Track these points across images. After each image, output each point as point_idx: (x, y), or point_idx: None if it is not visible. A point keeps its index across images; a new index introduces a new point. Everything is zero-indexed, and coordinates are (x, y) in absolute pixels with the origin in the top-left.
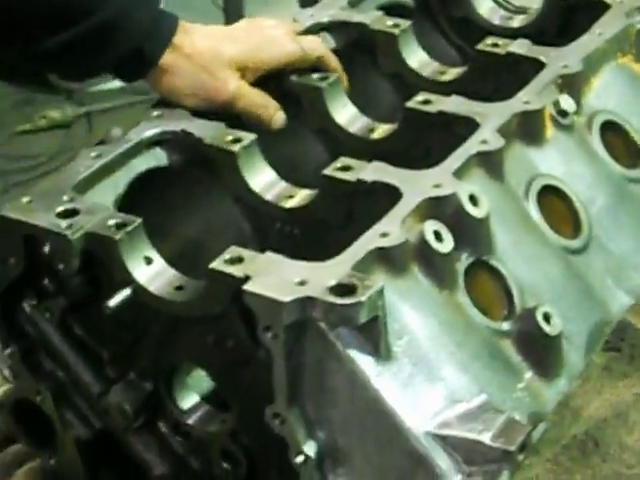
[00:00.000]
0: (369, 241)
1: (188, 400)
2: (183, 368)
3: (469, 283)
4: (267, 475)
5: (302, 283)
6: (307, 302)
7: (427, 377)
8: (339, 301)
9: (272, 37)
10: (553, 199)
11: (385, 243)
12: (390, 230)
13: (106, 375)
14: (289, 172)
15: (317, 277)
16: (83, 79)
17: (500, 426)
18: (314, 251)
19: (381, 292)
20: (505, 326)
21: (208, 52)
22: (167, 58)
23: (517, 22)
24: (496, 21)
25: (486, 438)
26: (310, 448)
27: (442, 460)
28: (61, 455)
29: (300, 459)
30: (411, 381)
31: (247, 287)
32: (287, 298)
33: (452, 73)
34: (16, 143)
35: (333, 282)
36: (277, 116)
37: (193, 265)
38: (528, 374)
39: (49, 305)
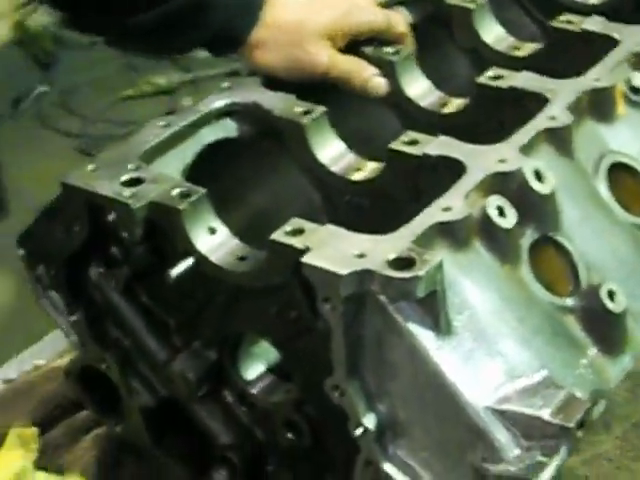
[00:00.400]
0: (431, 215)
1: (253, 370)
2: (248, 338)
3: (533, 259)
4: (330, 446)
5: (361, 256)
6: (365, 275)
7: (487, 352)
8: (397, 275)
9: (359, 4)
10: (623, 176)
11: (447, 217)
12: (453, 204)
13: (171, 343)
14: (360, 145)
15: (376, 250)
16: (175, 54)
17: (559, 402)
18: (383, 224)
19: (440, 267)
20: (569, 302)
21: (297, 25)
22: (257, 33)
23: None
24: None
25: (545, 414)
26: (370, 420)
27: (501, 434)
28: (127, 422)
29: (359, 431)
30: (471, 355)
31: (305, 259)
32: (345, 271)
33: (527, 49)
34: (120, 109)
35: (392, 256)
36: (376, 81)
37: (261, 236)
38: (592, 351)
39: (115, 273)
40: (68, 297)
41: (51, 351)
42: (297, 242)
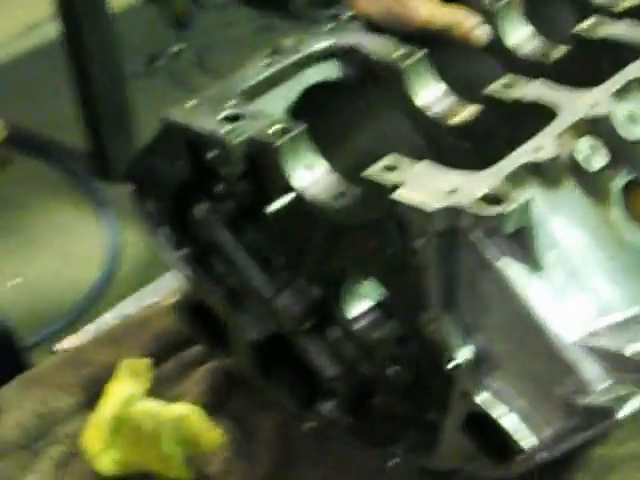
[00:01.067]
0: (522, 155)
1: (357, 307)
2: (352, 275)
3: (626, 200)
4: (429, 380)
5: (452, 192)
6: (455, 211)
7: (577, 288)
8: (486, 210)
9: None
10: None
11: (538, 157)
12: (544, 145)
13: (277, 280)
14: (461, 91)
15: (468, 187)
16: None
17: None
18: (485, 166)
19: (529, 204)
20: None
21: None
22: None
23: None
24: None
25: (633, 349)
26: (463, 353)
27: (589, 368)
28: (236, 355)
29: (454, 364)
30: (561, 291)
31: (397, 195)
32: (435, 206)
33: (626, 3)
34: None
35: (482, 192)
36: (478, 31)
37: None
38: None
39: (220, 209)
40: (176, 233)
41: (166, 289)
42: (391, 178)
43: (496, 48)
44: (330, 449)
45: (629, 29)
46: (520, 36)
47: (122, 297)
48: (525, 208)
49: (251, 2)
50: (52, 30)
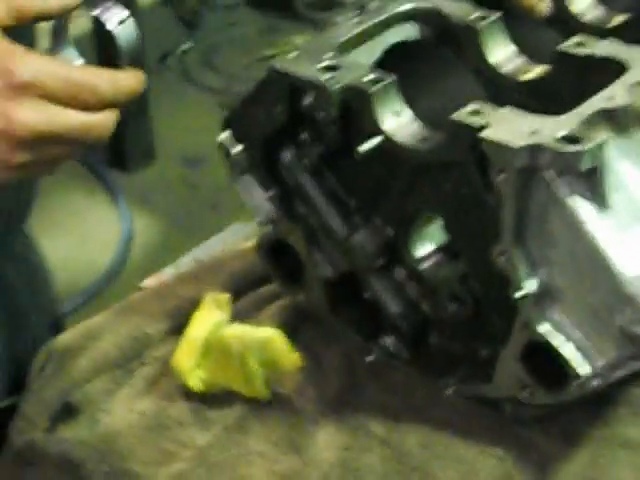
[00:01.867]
0: (597, 102)
1: (424, 248)
2: (422, 218)
3: None
4: (489, 316)
5: (534, 133)
6: (536, 149)
7: None
8: (564, 149)
9: None
10: None
11: (610, 104)
12: (616, 94)
13: (352, 222)
14: (531, 54)
15: (547, 129)
16: None
17: None
18: None
19: (603, 145)
20: None
21: None
22: None
23: None
24: None
25: None
26: (531, 284)
27: None
28: (308, 292)
29: (521, 293)
30: (626, 229)
31: (483, 134)
32: (518, 144)
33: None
34: (260, 67)
35: (561, 133)
36: (540, 5)
37: (439, 124)
38: None
39: (306, 154)
40: (263, 176)
41: (237, 236)
42: (476, 120)
43: (560, 16)
44: (391, 378)
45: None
46: (583, 4)
47: (134, 277)
48: (600, 148)
49: (256, 4)
50: (84, 24)
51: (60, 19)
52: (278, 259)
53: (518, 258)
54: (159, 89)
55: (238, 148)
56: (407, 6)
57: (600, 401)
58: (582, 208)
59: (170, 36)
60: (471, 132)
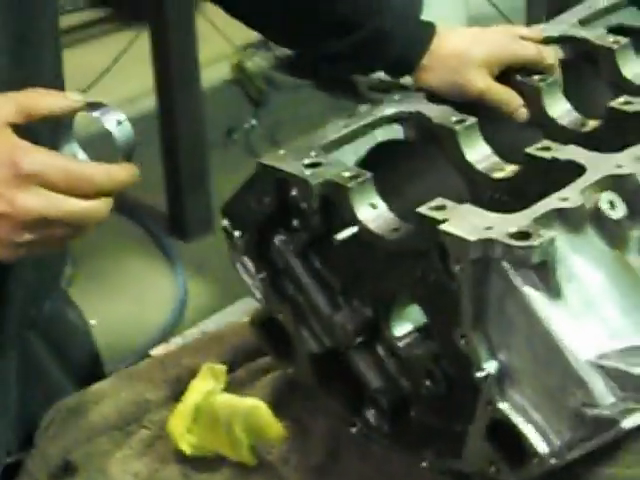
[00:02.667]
0: (550, 202)
1: (402, 328)
2: (399, 301)
3: None
4: (460, 393)
5: (488, 228)
6: (489, 243)
7: (592, 316)
8: (515, 243)
9: (515, 37)
10: None
11: (563, 205)
12: (569, 196)
13: (336, 302)
14: (506, 153)
15: (502, 225)
16: (359, 74)
17: None
18: None
19: (552, 241)
20: None
21: (458, 55)
22: (425, 60)
23: None
24: None
25: (637, 370)
26: (490, 366)
27: (599, 385)
28: (297, 366)
29: (481, 374)
30: (577, 317)
31: (443, 227)
32: (473, 237)
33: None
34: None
35: (513, 229)
36: (520, 112)
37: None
38: None
39: (295, 239)
40: (256, 259)
41: (240, 312)
42: (438, 214)
43: (540, 119)
44: (371, 449)
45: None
46: (561, 110)
47: None
48: (549, 244)
49: (322, 85)
50: (149, 103)
51: (66, 119)
52: (270, 334)
53: (478, 341)
54: (223, 162)
55: (237, 234)
56: (392, 110)
57: (566, 477)
58: (536, 298)
59: (237, 112)
60: (433, 225)
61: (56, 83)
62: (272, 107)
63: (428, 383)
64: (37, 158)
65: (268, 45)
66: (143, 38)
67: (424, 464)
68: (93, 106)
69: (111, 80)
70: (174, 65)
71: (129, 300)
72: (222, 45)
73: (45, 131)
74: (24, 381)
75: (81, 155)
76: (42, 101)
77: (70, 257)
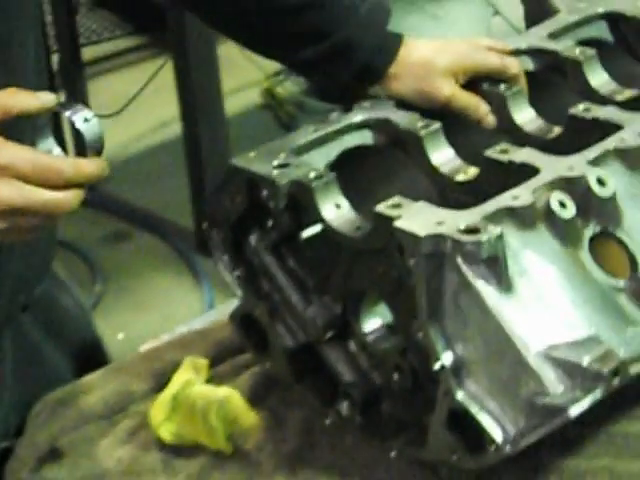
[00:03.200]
0: (501, 201)
1: (371, 324)
2: (369, 297)
3: (593, 247)
4: (425, 386)
5: (440, 224)
6: (439, 238)
7: (543, 309)
8: (464, 238)
9: (480, 48)
10: None
11: (514, 203)
12: (520, 195)
13: (309, 297)
14: (472, 158)
15: (453, 221)
16: (329, 84)
17: (599, 354)
18: None
19: (500, 236)
20: (622, 283)
21: (425, 63)
22: (392, 68)
23: None
24: None
25: (585, 361)
26: (447, 357)
27: (549, 375)
28: (274, 361)
29: (438, 366)
30: (528, 310)
31: (396, 223)
32: (424, 233)
33: (626, 94)
34: None
35: (463, 225)
36: (487, 118)
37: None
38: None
39: (268, 237)
40: (233, 257)
41: (226, 311)
42: (393, 212)
43: (506, 126)
44: (344, 439)
45: (612, 113)
46: (526, 117)
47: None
48: (497, 239)
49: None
50: (176, 128)
51: (41, 117)
52: (249, 330)
53: (434, 334)
54: None
55: (215, 234)
56: (362, 116)
57: (530, 468)
58: (488, 292)
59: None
60: (390, 222)
61: (39, 81)
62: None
63: (396, 377)
64: (9, 151)
65: None
66: (168, 66)
67: (392, 453)
68: (65, 106)
69: (143, 105)
70: (197, 93)
71: (157, 315)
72: (253, 72)
73: (28, 129)
74: (20, 366)
75: (57, 151)
76: (16, 100)
77: (100, 275)
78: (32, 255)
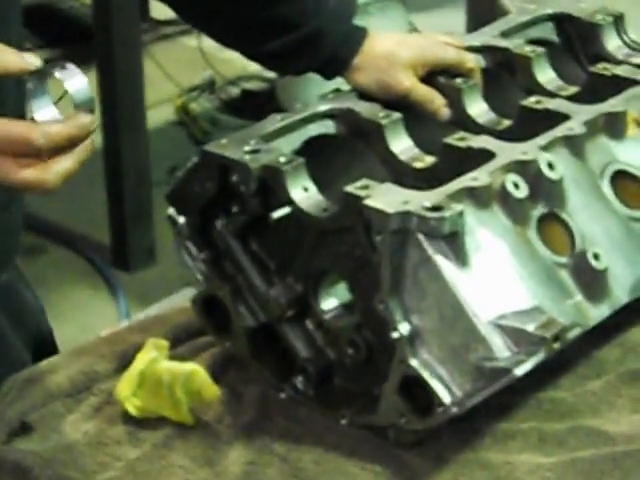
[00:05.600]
0: (461, 182)
1: (329, 303)
2: (328, 278)
3: (540, 227)
4: (378, 359)
5: (406, 202)
6: (406, 215)
7: (494, 283)
8: (429, 214)
9: (439, 42)
10: (625, 180)
11: (473, 184)
12: (479, 177)
13: (271, 279)
14: (427, 148)
15: (418, 200)
16: (295, 75)
17: (542, 321)
18: None
19: (461, 213)
20: (564, 260)
21: (387, 55)
22: (356, 60)
23: (638, 59)
24: (620, 57)
25: (530, 328)
26: (404, 328)
27: (497, 341)
28: (234, 340)
29: (396, 335)
30: (481, 283)
31: (366, 201)
32: (392, 210)
33: (571, 90)
34: None
35: (428, 204)
36: (442, 110)
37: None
38: (578, 297)
39: (234, 222)
40: (198, 241)
41: (182, 298)
42: (363, 192)
43: (460, 118)
44: (298, 410)
45: (559, 105)
46: (478, 110)
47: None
48: (458, 216)
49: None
50: (97, 140)
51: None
52: (210, 312)
53: (394, 306)
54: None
55: (181, 219)
56: (326, 106)
57: (468, 430)
58: (446, 265)
59: (181, 152)
60: (358, 201)
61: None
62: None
63: (351, 351)
64: None
65: (213, 87)
66: (91, 78)
67: (343, 421)
68: (53, 67)
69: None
70: (121, 106)
71: (74, 327)
72: (168, 87)
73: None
74: None
75: (50, 112)
76: None
77: None
78: (1, 235)
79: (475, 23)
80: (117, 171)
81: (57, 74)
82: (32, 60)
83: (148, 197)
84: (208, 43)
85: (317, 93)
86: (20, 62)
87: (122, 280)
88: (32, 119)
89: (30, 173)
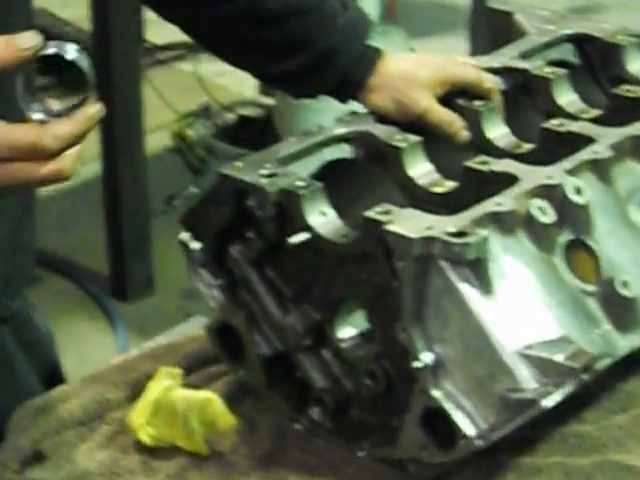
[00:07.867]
0: (486, 207)
1: (346, 332)
2: (346, 306)
3: (567, 254)
4: (398, 390)
5: (429, 228)
6: (430, 240)
7: (519, 311)
8: (453, 240)
9: (458, 62)
10: None
11: (497, 209)
12: (503, 201)
13: (287, 307)
14: (447, 172)
15: (441, 225)
16: (308, 97)
17: (571, 352)
18: None
19: (486, 239)
20: (591, 288)
21: (404, 75)
22: (371, 81)
23: None
24: None
25: (558, 358)
26: (427, 357)
27: (523, 372)
28: (249, 369)
29: (418, 364)
30: (506, 312)
31: (388, 227)
32: (415, 235)
33: (593, 113)
34: None
35: (452, 229)
36: (462, 133)
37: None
38: (606, 326)
39: (250, 249)
40: (213, 267)
41: (195, 326)
42: (384, 217)
43: (479, 142)
44: (314, 442)
45: (584, 128)
46: (498, 133)
47: None
48: (483, 242)
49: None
50: (95, 168)
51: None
52: (224, 340)
53: (416, 334)
54: (163, 228)
55: (196, 245)
56: (343, 130)
57: (491, 465)
58: (470, 293)
59: (177, 180)
60: (379, 226)
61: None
62: (212, 175)
63: (369, 382)
64: None
65: (208, 113)
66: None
67: (360, 453)
68: (46, 47)
69: None
70: (119, 133)
71: (72, 357)
72: (164, 113)
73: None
74: None
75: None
76: None
77: None
78: (13, 263)
79: (477, 49)
80: (115, 199)
81: (51, 50)
82: (28, 39)
83: (147, 226)
84: (204, 68)
85: (314, 120)
86: (13, 54)
87: (120, 310)
88: (40, 121)
89: (48, 169)
